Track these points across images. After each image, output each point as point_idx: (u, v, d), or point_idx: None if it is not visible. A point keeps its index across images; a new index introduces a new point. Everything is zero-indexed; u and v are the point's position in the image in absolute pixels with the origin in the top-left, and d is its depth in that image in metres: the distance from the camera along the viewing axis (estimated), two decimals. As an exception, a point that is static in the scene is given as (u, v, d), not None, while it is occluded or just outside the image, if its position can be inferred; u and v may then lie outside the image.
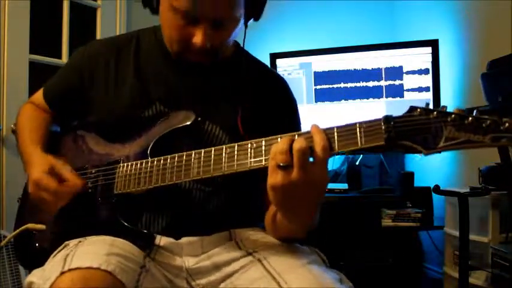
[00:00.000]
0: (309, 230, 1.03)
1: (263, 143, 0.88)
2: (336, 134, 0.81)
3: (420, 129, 0.72)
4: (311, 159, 0.83)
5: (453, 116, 0.67)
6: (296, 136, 0.85)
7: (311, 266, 0.95)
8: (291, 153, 0.82)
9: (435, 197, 2.50)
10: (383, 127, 0.75)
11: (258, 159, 0.88)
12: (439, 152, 0.69)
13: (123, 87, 1.17)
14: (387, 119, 0.75)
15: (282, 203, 0.88)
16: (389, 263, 2.53)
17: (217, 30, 1.05)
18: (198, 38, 1.04)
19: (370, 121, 0.77)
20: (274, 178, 0.84)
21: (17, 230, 1.19)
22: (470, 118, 0.66)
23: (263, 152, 0.88)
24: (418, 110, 0.72)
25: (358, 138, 0.78)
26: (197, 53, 1.07)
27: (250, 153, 0.89)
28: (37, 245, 1.17)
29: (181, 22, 1.04)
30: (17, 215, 1.29)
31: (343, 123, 0.80)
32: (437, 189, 2.19)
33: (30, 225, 1.16)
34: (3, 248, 1.97)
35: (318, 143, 0.82)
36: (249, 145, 0.89)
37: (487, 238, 2.19)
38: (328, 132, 0.83)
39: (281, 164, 0.82)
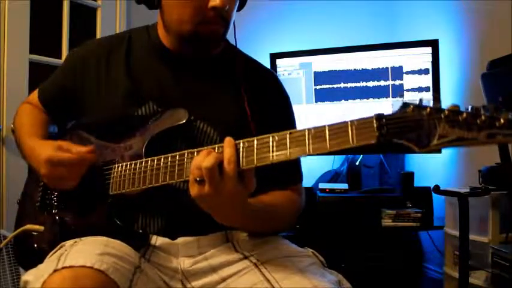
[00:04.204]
0: (269, 230, 1.10)
1: (255, 142, 0.88)
2: (327, 132, 0.80)
3: (413, 126, 0.71)
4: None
5: (447, 112, 0.66)
6: (216, 149, 0.89)
7: (308, 271, 0.96)
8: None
9: (435, 197, 2.50)
10: (375, 125, 0.74)
11: (249, 158, 0.88)
12: (433, 151, 0.68)
13: (115, 86, 1.17)
14: (379, 116, 0.74)
15: (206, 209, 0.94)
16: (390, 263, 2.52)
17: None
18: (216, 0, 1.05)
19: (361, 119, 0.76)
20: (192, 190, 0.90)
21: (16, 231, 1.20)
22: (464, 114, 0.64)
23: (255, 150, 0.87)
24: (411, 106, 0.70)
25: (350, 136, 0.77)
26: (213, 21, 1.08)
27: (243, 152, 0.89)
28: (35, 246, 1.17)
29: None
30: (16, 217, 1.29)
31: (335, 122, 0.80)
32: (437, 189, 2.19)
33: (28, 226, 1.17)
34: (3, 249, 1.97)
35: (225, 158, 0.87)
36: (241, 144, 0.89)
37: (487, 238, 2.18)
38: (319, 131, 0.81)
39: (197, 179, 0.88)
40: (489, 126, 0.63)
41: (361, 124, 0.76)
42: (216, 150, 0.90)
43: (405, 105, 0.71)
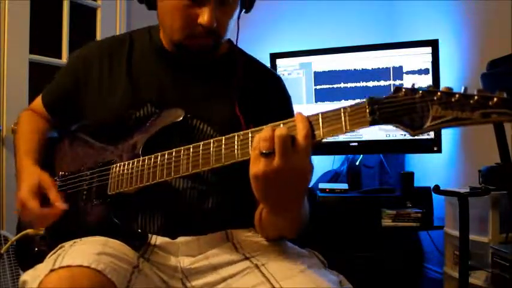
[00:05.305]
0: (298, 230, 1.04)
1: (249, 134, 0.88)
2: (320, 119, 0.80)
3: (405, 109, 0.70)
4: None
5: (439, 94, 0.66)
6: (281, 125, 0.85)
7: (310, 271, 0.95)
8: (273, 141, 0.82)
9: (435, 197, 2.49)
10: (367, 110, 0.74)
11: (244, 150, 0.88)
12: (427, 132, 0.68)
13: (115, 89, 1.17)
14: (371, 101, 0.74)
15: (265, 192, 0.87)
16: (390, 263, 2.51)
17: (222, 8, 1.06)
18: (204, 17, 1.03)
19: (354, 105, 0.76)
20: (257, 166, 0.84)
21: (17, 236, 1.20)
22: (457, 95, 0.64)
23: (249, 143, 0.87)
24: (403, 90, 0.70)
25: (343, 122, 0.77)
26: (202, 36, 1.07)
27: (237, 145, 0.88)
28: (36, 247, 1.17)
29: (186, 3, 1.04)
30: (18, 218, 1.29)
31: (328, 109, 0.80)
32: (437, 189, 2.19)
33: (30, 231, 1.17)
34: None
35: (300, 131, 0.82)
36: (236, 137, 0.89)
37: (487, 238, 2.18)
38: (313, 119, 0.82)
39: (263, 151, 0.82)
40: (483, 105, 0.63)
41: (354, 110, 0.76)
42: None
43: (397, 89, 0.71)
